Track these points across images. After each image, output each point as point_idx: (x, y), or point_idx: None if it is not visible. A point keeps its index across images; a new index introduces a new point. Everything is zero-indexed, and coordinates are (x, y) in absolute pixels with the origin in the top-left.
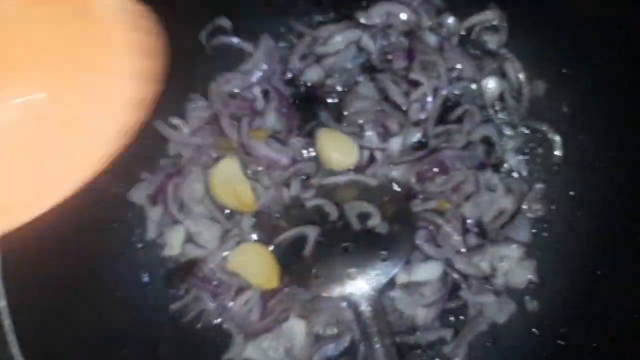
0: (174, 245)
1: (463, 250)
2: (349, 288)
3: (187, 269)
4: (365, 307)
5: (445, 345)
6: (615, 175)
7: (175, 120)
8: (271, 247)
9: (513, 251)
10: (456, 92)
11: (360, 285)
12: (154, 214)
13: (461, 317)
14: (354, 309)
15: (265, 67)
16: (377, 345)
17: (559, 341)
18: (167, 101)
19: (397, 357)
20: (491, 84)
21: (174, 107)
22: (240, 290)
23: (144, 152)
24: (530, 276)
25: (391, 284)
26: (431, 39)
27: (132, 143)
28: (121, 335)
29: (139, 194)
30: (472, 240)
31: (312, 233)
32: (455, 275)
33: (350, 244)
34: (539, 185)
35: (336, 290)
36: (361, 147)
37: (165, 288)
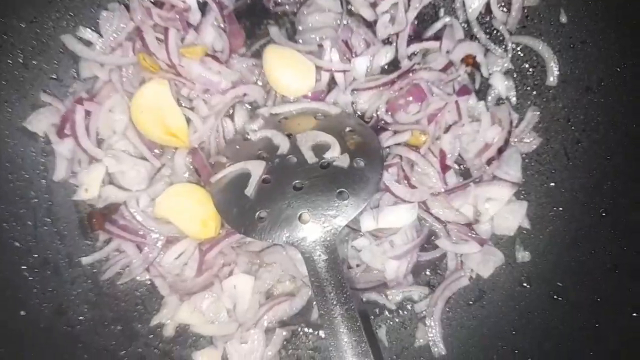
0: (91, 187)
1: (441, 191)
2: (299, 233)
3: (105, 215)
4: (318, 256)
5: (417, 303)
6: (623, 98)
7: (88, 33)
8: (208, 189)
9: (501, 192)
10: (432, 4)
11: (313, 230)
12: (63, 148)
13: (439, 272)
14: (306, 258)
15: None
16: (334, 304)
17: (554, 296)
18: (76, 8)
19: (358, 318)
20: None
21: (85, 16)
22: (172, 240)
23: (47, 73)
24: (520, 222)
25: (356, 231)
26: None
27: (30, 59)
28: (20, 294)
29: (39, 123)
30: (452, 179)
31: (256, 169)
32: (432, 222)
33: (303, 181)
34: (531, 113)
35: (284, 236)
36: (319, 69)
37: (78, 238)
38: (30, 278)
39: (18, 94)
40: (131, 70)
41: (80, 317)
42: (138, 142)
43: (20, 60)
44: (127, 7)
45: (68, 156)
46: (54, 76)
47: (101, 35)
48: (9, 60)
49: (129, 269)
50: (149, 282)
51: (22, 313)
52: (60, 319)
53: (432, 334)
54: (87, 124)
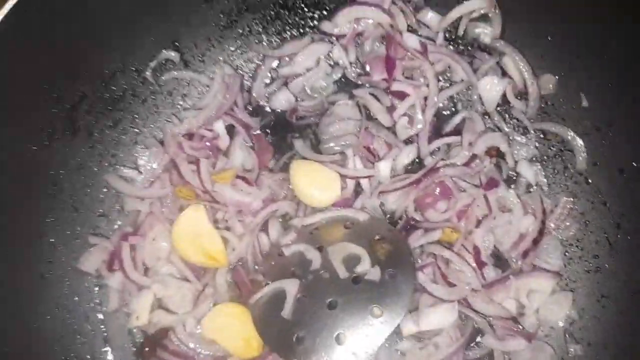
0: (141, 313)
1: (480, 287)
2: (336, 355)
3: (157, 341)
4: None
5: None
6: None
7: (128, 171)
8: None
9: (543, 283)
10: (450, 99)
11: (350, 351)
12: (113, 282)
13: None
14: None
15: (224, 99)
16: None
17: None
18: (115, 149)
19: None
20: (490, 85)
21: (124, 155)
22: None
23: (94, 212)
24: (568, 312)
25: (397, 335)
26: (411, 40)
27: (80, 202)
28: None
29: (90, 262)
30: (491, 273)
31: (291, 288)
32: (475, 318)
33: (337, 297)
34: (564, 199)
35: (322, 358)
36: (344, 177)
37: None
38: None
39: (70, 237)
40: (170, 200)
41: None
42: (182, 265)
43: (71, 204)
44: (162, 143)
45: (119, 288)
46: (101, 213)
47: (140, 172)
48: (61, 206)
49: None
50: None
51: None
52: None
53: None
54: (133, 255)
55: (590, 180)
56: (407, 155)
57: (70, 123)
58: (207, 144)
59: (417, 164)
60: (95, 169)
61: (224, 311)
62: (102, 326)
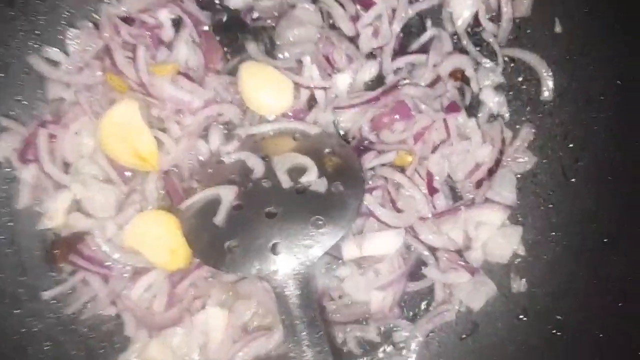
0: (56, 214)
1: (429, 216)
2: (271, 265)
3: (71, 246)
4: (291, 291)
5: (396, 332)
6: (625, 112)
7: (54, 53)
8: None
9: (494, 216)
10: (419, 13)
11: (286, 262)
12: (26, 174)
13: (427, 304)
14: (277, 293)
15: None
16: (306, 344)
17: (553, 330)
18: (42, 27)
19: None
20: (463, 3)
21: (51, 36)
22: (140, 272)
23: (11, 95)
24: (515, 248)
25: (338, 260)
26: None
27: None
28: None
29: (1, 148)
30: (442, 202)
31: (226, 195)
32: (420, 248)
33: (277, 207)
34: (526, 130)
35: (254, 269)
36: (298, 86)
37: (41, 270)
38: None
39: None
40: (99, 91)
41: (41, 355)
42: (107, 166)
43: None
44: (96, 25)
45: (32, 182)
46: (19, 98)
47: (68, 55)
48: None
49: (94, 303)
50: (116, 317)
51: None
52: (19, 356)
53: None
54: (52, 148)
55: (553, 113)
56: (368, 71)
57: None
58: (148, 33)
59: (377, 83)
60: (16, 46)
61: (149, 218)
62: (10, 223)
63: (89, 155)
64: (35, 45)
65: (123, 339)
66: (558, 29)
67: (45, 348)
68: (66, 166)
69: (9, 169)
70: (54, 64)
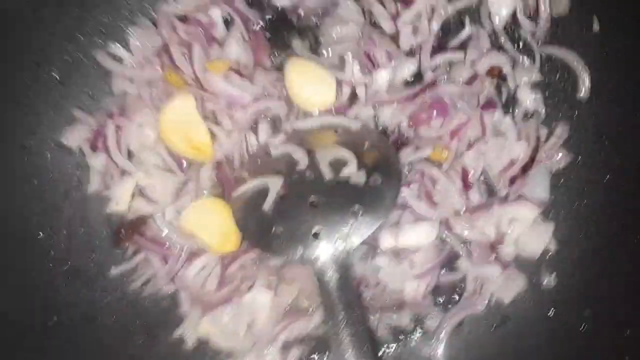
0: (121, 199)
1: (463, 210)
2: (313, 251)
3: (134, 228)
4: (330, 275)
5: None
6: None
7: (119, 50)
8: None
9: (527, 212)
10: (458, 11)
11: (327, 247)
12: (96, 162)
13: (459, 295)
14: (318, 276)
15: None
16: (344, 325)
17: (581, 325)
18: (106, 25)
19: (367, 340)
20: (501, 1)
21: (115, 33)
22: (196, 253)
23: (81, 88)
24: (546, 244)
25: (376, 249)
26: None
27: (66, 76)
28: (51, 303)
29: (73, 137)
30: (476, 197)
31: (274, 185)
32: (454, 241)
33: (319, 197)
34: (561, 128)
35: (298, 253)
36: (341, 83)
37: (109, 249)
38: (62, 286)
39: (54, 110)
40: (159, 86)
41: (107, 325)
42: (167, 156)
43: (56, 77)
44: (154, 24)
45: (101, 169)
46: (88, 91)
47: (131, 52)
48: (45, 76)
49: (154, 280)
50: (173, 295)
51: (55, 318)
52: (88, 325)
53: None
54: (118, 138)
55: (589, 111)
56: (407, 68)
57: None
58: (202, 30)
59: (416, 80)
60: (84, 43)
61: (204, 205)
62: (82, 206)
63: (150, 145)
64: (101, 42)
65: (178, 315)
66: (596, 27)
67: (111, 319)
68: (131, 156)
69: (81, 158)
70: (119, 59)
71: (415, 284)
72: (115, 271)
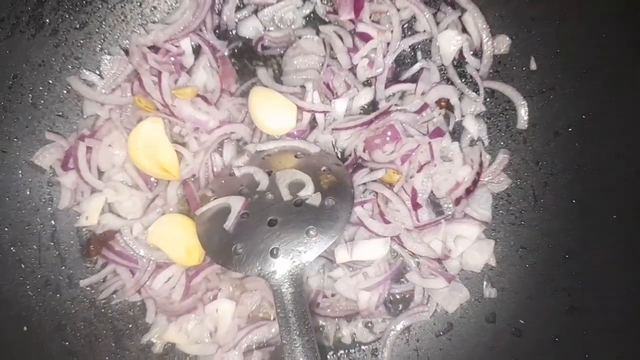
0: (91, 215)
1: (413, 227)
2: (270, 267)
3: (103, 241)
4: (286, 289)
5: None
6: (589, 144)
7: (91, 75)
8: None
9: (470, 230)
10: (411, 47)
11: (283, 264)
12: (67, 180)
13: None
14: (274, 290)
15: (193, 17)
16: (297, 334)
17: (516, 334)
18: (79, 52)
19: (317, 349)
20: (450, 39)
21: (88, 60)
22: (162, 266)
23: (53, 111)
24: (488, 259)
25: (332, 262)
26: None
27: (39, 99)
28: (23, 312)
29: (45, 158)
30: (424, 216)
31: (235, 204)
32: (405, 256)
33: (277, 216)
34: (502, 156)
35: (256, 269)
36: (301, 109)
37: (78, 262)
38: (33, 297)
39: (27, 131)
40: (129, 109)
41: (77, 333)
42: (135, 174)
43: (30, 100)
44: (127, 52)
45: (71, 187)
46: (60, 114)
47: (102, 77)
48: (18, 100)
49: (122, 291)
50: (140, 303)
51: (25, 329)
52: (59, 334)
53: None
54: (88, 158)
55: (527, 140)
56: (363, 97)
57: (35, 18)
58: (172, 59)
59: (371, 107)
60: (58, 69)
61: (170, 221)
62: (52, 221)
63: (120, 164)
64: (74, 68)
65: (145, 323)
66: (533, 66)
67: (80, 327)
68: (100, 174)
69: (52, 175)
70: (90, 85)
71: (368, 295)
72: (84, 282)
